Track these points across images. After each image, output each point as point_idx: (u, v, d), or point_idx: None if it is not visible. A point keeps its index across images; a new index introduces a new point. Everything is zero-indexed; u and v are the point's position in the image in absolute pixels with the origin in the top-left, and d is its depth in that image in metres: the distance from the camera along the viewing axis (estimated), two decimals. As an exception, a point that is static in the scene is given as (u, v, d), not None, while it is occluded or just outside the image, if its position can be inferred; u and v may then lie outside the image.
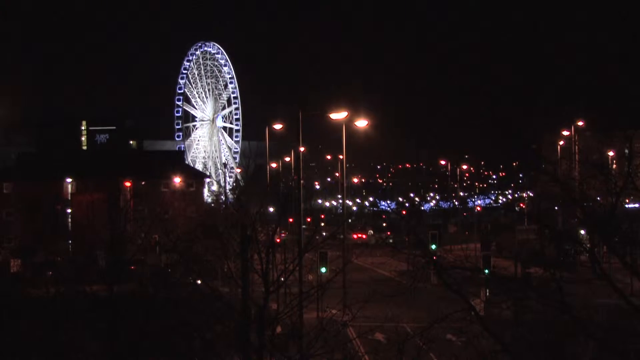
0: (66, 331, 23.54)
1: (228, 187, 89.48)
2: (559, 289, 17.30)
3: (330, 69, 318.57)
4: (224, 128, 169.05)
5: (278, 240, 45.37)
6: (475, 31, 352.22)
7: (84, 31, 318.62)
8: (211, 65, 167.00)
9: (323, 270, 53.81)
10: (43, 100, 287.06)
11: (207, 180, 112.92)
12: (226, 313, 21.61)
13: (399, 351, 18.50)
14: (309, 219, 58.98)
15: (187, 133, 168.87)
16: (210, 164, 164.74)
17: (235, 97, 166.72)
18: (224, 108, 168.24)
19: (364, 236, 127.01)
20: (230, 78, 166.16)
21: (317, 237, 31.38)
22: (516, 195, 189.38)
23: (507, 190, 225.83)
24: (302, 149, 50.19)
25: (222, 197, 69.45)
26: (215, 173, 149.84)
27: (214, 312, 22.22)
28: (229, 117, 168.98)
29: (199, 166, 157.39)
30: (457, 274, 18.47)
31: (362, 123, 53.64)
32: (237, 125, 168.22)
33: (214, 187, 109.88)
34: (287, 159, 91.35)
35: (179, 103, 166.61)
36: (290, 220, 61.93)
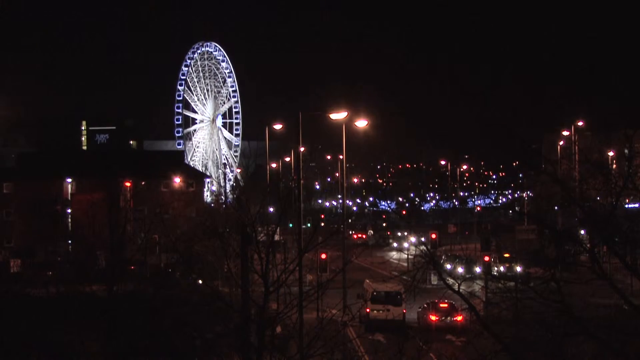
0: (66, 331, 23.52)
1: (228, 187, 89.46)
2: (558, 289, 17.30)
3: (330, 69, 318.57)
4: (224, 125, 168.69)
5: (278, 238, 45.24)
6: (476, 31, 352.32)
7: (84, 31, 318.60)
8: (209, 65, 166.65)
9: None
10: (43, 100, 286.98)
11: (207, 180, 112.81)
12: (226, 313, 21.60)
13: (399, 351, 18.54)
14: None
15: (188, 137, 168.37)
16: (210, 164, 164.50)
17: (234, 91, 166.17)
18: (223, 105, 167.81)
19: (364, 236, 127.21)
20: (228, 73, 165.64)
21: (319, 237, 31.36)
22: (516, 195, 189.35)
23: (507, 190, 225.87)
24: (302, 149, 50.16)
25: (222, 197, 69.47)
26: (216, 173, 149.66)
27: (214, 312, 22.21)
28: (228, 113, 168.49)
29: (199, 167, 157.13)
30: (457, 274, 18.50)
31: (362, 123, 53.66)
32: (237, 118, 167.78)
33: (214, 187, 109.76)
34: (287, 159, 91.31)
35: (179, 110, 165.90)
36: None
